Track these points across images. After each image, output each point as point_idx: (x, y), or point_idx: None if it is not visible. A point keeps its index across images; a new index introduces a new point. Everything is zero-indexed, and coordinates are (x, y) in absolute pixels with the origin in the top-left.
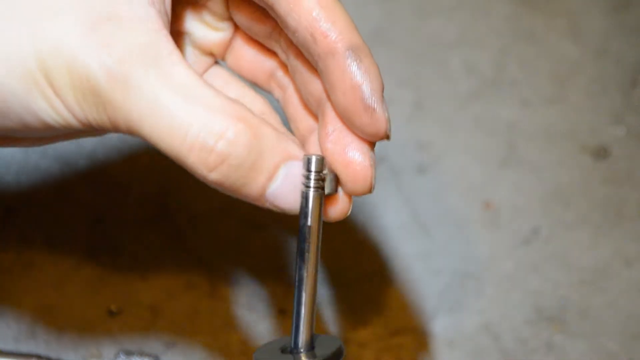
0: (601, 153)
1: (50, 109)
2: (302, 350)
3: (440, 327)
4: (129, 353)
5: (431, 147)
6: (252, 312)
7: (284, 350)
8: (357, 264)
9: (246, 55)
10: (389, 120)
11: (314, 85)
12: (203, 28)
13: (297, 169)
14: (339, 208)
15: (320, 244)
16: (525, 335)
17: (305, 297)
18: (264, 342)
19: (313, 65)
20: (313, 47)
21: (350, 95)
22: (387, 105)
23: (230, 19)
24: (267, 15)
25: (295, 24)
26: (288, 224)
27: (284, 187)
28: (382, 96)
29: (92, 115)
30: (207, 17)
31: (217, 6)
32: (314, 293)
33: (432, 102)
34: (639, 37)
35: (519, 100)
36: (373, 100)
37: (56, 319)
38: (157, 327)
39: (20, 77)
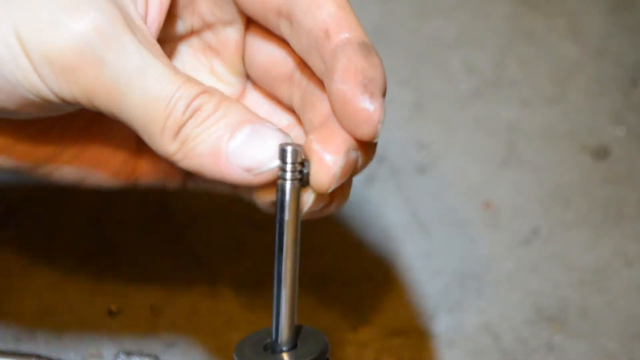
0: (601, 153)
1: (28, 83)
2: (284, 348)
3: (440, 327)
4: (129, 353)
5: (431, 147)
6: (252, 312)
7: (265, 347)
8: (357, 263)
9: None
10: (383, 115)
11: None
12: (212, 79)
13: (262, 132)
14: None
15: (299, 237)
16: (525, 335)
17: (285, 294)
18: None
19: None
20: (325, 44)
21: (352, 79)
22: (385, 105)
23: (245, 74)
24: (284, 55)
25: (312, 23)
26: None
27: (245, 145)
28: (383, 91)
29: (68, 90)
30: (219, 67)
31: (232, 55)
32: (294, 288)
33: (432, 102)
34: (639, 37)
35: (519, 100)
36: (374, 87)
37: (56, 319)
38: (157, 327)
39: (2, 52)
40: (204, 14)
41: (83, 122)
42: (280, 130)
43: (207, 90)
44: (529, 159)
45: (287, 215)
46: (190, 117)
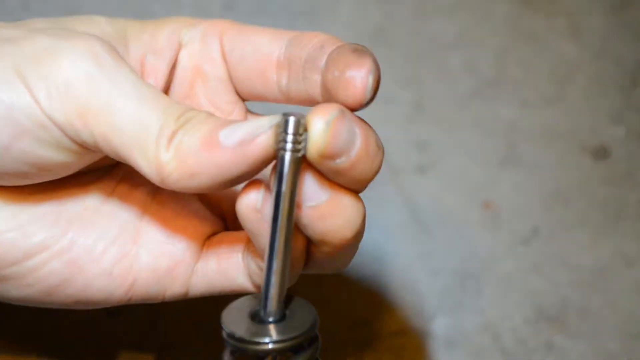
0: (601, 153)
1: (26, 106)
2: (270, 319)
3: (440, 327)
4: (129, 353)
5: (431, 147)
6: None
7: (252, 316)
8: (357, 264)
9: None
10: (375, 67)
11: None
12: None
13: (253, 118)
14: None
15: (294, 210)
16: (525, 335)
17: (276, 264)
18: None
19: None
20: (319, 56)
21: (341, 53)
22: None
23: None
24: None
25: (309, 50)
26: None
27: (236, 127)
28: (375, 67)
29: (61, 111)
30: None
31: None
32: (286, 261)
33: (432, 102)
34: (639, 37)
35: (519, 100)
36: (362, 50)
37: (56, 319)
38: (157, 327)
39: (4, 87)
40: (203, 105)
41: (82, 209)
42: (271, 116)
43: (196, 109)
44: (529, 159)
45: (285, 187)
46: (182, 125)
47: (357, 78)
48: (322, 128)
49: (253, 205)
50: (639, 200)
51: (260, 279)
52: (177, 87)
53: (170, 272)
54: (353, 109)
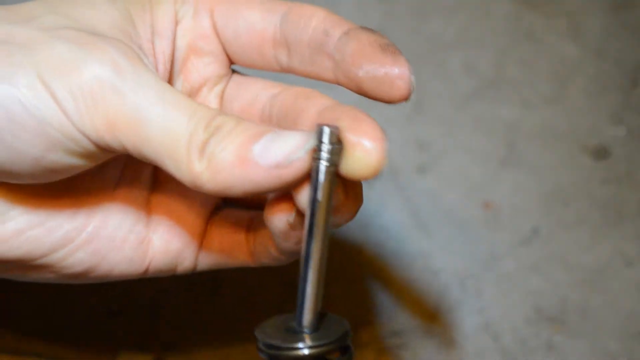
0: (601, 153)
1: (54, 120)
2: (306, 330)
3: (440, 327)
4: (129, 353)
5: (431, 147)
6: (252, 312)
7: (287, 330)
8: (357, 263)
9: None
10: (411, 69)
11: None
12: None
13: (283, 132)
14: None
15: (330, 219)
16: (525, 335)
17: (311, 275)
18: None
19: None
20: (328, 41)
21: (370, 49)
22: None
23: None
24: (258, 92)
25: (310, 32)
26: None
27: (270, 144)
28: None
29: (91, 123)
30: None
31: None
32: (322, 271)
33: (432, 102)
34: (639, 37)
35: (519, 100)
36: (393, 47)
37: (56, 319)
38: (157, 327)
39: (27, 94)
40: (196, 80)
41: (100, 197)
42: (303, 130)
43: (223, 113)
44: (529, 159)
45: (320, 196)
46: (212, 134)
47: (400, 77)
48: (375, 151)
49: (285, 219)
50: (639, 200)
51: (265, 258)
52: (173, 64)
53: (180, 253)
54: (390, 103)
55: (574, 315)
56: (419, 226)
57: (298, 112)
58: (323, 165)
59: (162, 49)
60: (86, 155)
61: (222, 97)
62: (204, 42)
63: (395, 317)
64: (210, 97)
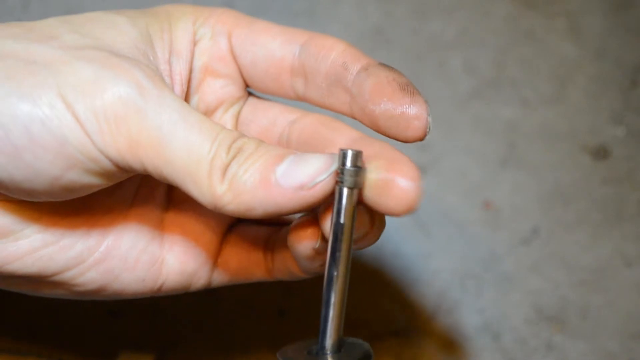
0: (601, 153)
1: (75, 139)
2: (328, 352)
3: (440, 327)
4: (129, 353)
5: (431, 147)
6: (252, 312)
7: (309, 353)
8: (357, 264)
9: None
10: (429, 109)
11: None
12: None
13: (303, 155)
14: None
15: (352, 243)
16: (525, 335)
17: (334, 298)
18: (263, 342)
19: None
20: (345, 75)
21: (389, 88)
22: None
23: None
24: (276, 115)
25: (328, 64)
26: None
27: (293, 166)
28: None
29: (113, 144)
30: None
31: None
32: (344, 294)
33: (432, 102)
34: (639, 37)
35: (519, 100)
36: (412, 87)
37: (57, 319)
38: (157, 327)
39: (48, 113)
40: (211, 102)
41: (113, 216)
42: (324, 154)
43: (245, 135)
44: (529, 159)
45: (343, 219)
46: (234, 157)
47: (417, 117)
48: (412, 190)
49: (311, 246)
50: (639, 200)
51: (284, 275)
52: (190, 85)
53: (196, 273)
54: (404, 142)
55: (574, 315)
56: (419, 226)
57: (323, 141)
58: (346, 188)
59: (180, 69)
60: (105, 174)
61: (237, 119)
62: (221, 64)
63: (395, 317)
64: (226, 118)
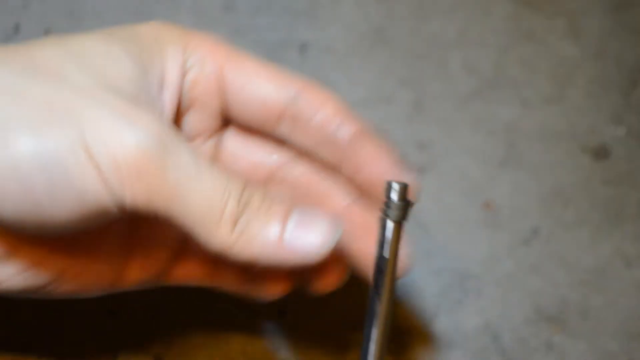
0: (601, 153)
1: (93, 188)
2: None
3: (440, 327)
4: (129, 353)
5: (431, 147)
6: (252, 312)
7: None
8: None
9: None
10: (415, 178)
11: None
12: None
13: (308, 215)
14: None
15: (396, 277)
16: (525, 335)
17: (375, 333)
18: (264, 342)
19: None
20: (335, 133)
21: (377, 156)
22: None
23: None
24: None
25: (319, 120)
26: None
27: (299, 228)
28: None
29: (131, 195)
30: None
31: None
32: (387, 330)
33: (432, 102)
34: (639, 37)
35: (519, 100)
36: (399, 156)
37: (57, 319)
38: (157, 327)
39: (69, 159)
40: (188, 133)
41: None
42: (328, 219)
43: (249, 183)
44: (529, 159)
45: (387, 253)
46: (244, 209)
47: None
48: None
49: (337, 278)
50: (639, 200)
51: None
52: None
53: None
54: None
55: (574, 315)
56: (419, 226)
57: (319, 196)
58: (391, 222)
59: (168, 100)
60: (109, 217)
61: (218, 149)
62: (207, 98)
63: (395, 317)
64: (204, 148)
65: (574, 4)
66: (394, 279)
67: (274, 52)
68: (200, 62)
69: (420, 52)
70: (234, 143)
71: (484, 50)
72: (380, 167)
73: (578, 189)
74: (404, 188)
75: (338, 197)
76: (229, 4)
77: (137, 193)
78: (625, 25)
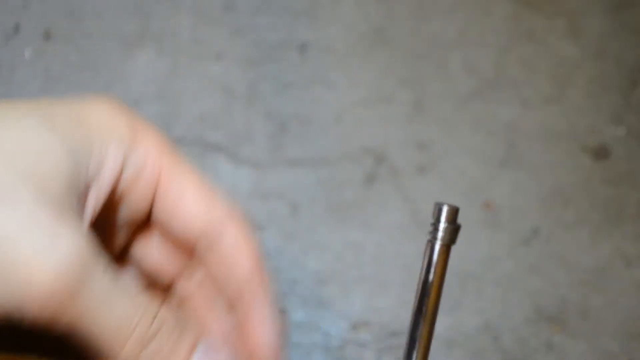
0: (601, 153)
1: (18, 314)
2: None
3: (440, 327)
4: None
5: (431, 147)
6: None
7: None
8: (357, 264)
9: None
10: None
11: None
12: None
13: (212, 345)
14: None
15: (440, 302)
16: (525, 335)
17: (417, 358)
18: None
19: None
20: (245, 289)
21: (270, 334)
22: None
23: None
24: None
25: (230, 265)
26: (286, 226)
27: (205, 357)
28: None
29: (33, 311)
30: None
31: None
32: (427, 354)
33: (432, 102)
34: (639, 37)
35: (518, 100)
36: (282, 340)
37: None
38: None
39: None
40: (110, 231)
41: None
42: (228, 348)
43: (162, 310)
44: (529, 159)
45: (432, 277)
46: (153, 336)
47: None
48: None
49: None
50: (639, 200)
51: None
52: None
53: None
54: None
55: (574, 315)
56: (419, 226)
57: (209, 316)
58: (438, 244)
59: (96, 197)
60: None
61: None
62: (136, 202)
63: (395, 317)
64: (121, 236)
65: (574, 4)
66: (437, 305)
67: (274, 52)
68: (141, 164)
69: (420, 52)
70: (152, 239)
71: (484, 50)
72: (263, 338)
73: (578, 189)
74: (453, 211)
75: (222, 320)
76: (229, 4)
77: (42, 311)
78: (625, 25)
